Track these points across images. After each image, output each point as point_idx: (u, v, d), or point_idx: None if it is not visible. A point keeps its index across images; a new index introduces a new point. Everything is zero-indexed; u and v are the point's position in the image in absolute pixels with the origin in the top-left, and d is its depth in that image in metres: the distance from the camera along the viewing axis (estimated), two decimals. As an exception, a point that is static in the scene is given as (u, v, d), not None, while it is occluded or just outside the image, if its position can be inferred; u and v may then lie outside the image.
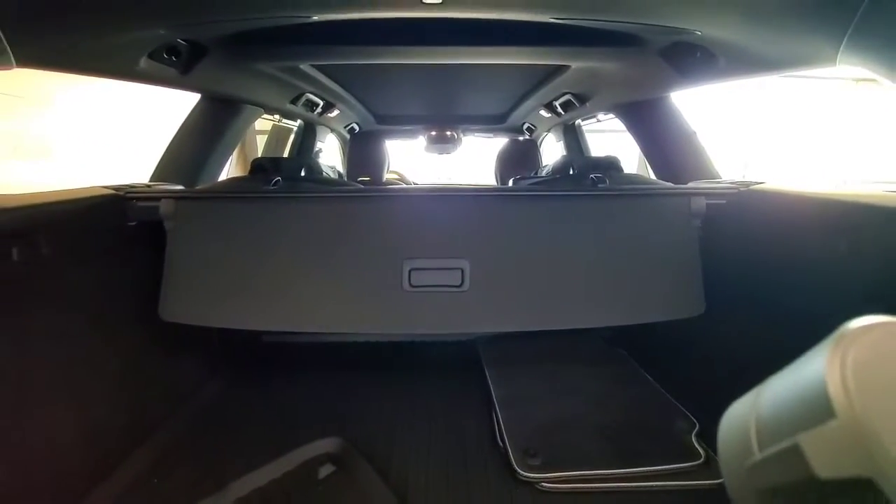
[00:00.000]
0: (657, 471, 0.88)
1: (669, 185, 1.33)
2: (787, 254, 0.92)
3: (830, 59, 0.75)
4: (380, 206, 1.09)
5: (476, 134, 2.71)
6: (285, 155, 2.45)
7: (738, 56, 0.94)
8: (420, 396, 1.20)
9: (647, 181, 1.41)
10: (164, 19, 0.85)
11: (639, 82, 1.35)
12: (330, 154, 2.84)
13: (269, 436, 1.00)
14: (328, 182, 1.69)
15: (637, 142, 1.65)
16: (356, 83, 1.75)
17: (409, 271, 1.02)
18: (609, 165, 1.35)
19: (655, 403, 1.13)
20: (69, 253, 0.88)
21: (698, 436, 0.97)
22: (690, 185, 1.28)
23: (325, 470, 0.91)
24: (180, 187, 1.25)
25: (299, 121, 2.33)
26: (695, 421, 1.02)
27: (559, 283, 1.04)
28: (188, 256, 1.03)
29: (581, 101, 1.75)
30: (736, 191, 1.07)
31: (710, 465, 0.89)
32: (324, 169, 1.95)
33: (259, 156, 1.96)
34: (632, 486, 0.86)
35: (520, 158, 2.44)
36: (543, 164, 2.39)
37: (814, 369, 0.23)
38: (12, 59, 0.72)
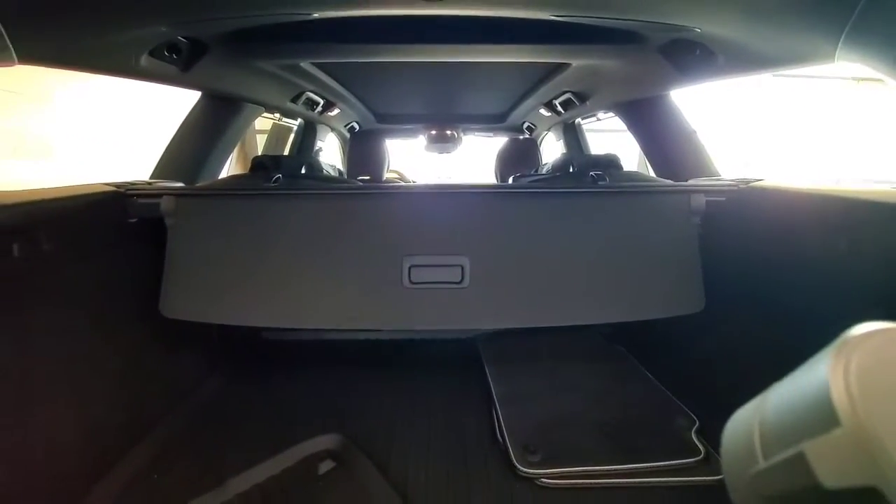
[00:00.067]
0: (656, 467, 0.88)
1: (669, 182, 1.33)
2: (787, 251, 0.92)
3: (829, 56, 0.75)
4: (380, 203, 1.09)
5: (476, 133, 2.71)
6: (285, 154, 2.45)
7: (738, 53, 0.94)
8: (420, 393, 1.20)
9: (646, 178, 1.41)
10: (165, 16, 0.86)
11: (639, 80, 1.36)
12: (330, 153, 2.85)
13: (269, 432, 1.01)
14: (329, 180, 1.69)
15: (637, 140, 1.65)
16: (356, 82, 1.75)
17: (409, 268, 1.02)
18: (609, 163, 1.35)
19: (655, 400, 1.13)
20: (70, 249, 0.88)
21: (698, 432, 0.97)
22: (690, 182, 1.28)
23: (325, 466, 0.91)
24: (181, 185, 1.25)
25: (299, 119, 2.33)
26: (694, 418, 1.02)
27: (559, 280, 1.04)
28: (189, 253, 1.03)
29: (581, 100, 1.75)
30: (736, 188, 1.07)
31: (710, 462, 0.90)
32: (324, 167, 1.95)
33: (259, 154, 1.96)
34: (631, 482, 0.87)
35: (520, 157, 2.44)
36: (543, 163, 2.39)
37: (817, 377, 0.23)
38: (14, 55, 0.72)
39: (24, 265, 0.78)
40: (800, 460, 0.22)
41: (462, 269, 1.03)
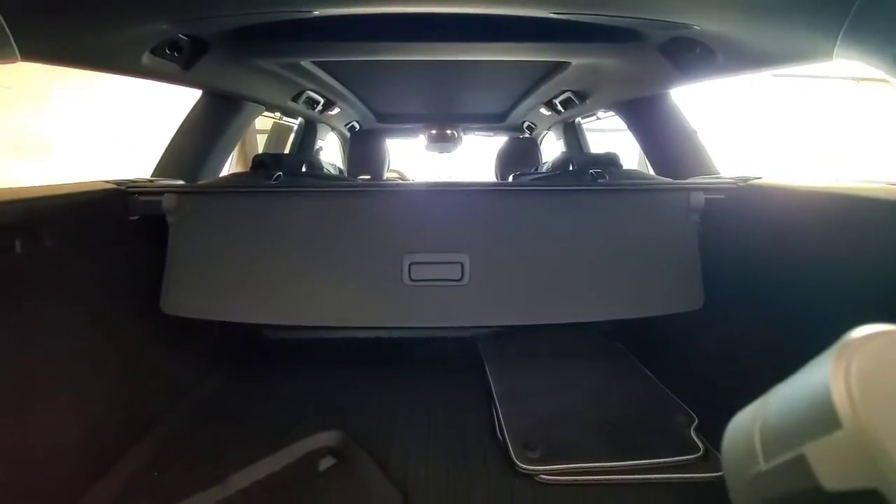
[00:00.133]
0: (655, 463, 0.89)
1: (668, 180, 1.33)
2: (786, 248, 0.93)
3: (827, 54, 0.76)
4: (380, 201, 1.09)
5: (476, 132, 2.71)
6: (286, 152, 2.45)
7: (737, 51, 0.94)
8: (420, 391, 1.20)
9: (646, 177, 1.42)
10: (167, 14, 0.86)
11: (638, 79, 1.36)
12: (330, 153, 2.85)
13: (270, 429, 1.01)
14: (329, 178, 1.69)
15: (637, 139, 1.66)
16: (357, 81, 1.76)
17: (410, 265, 1.03)
18: (608, 161, 1.36)
19: (654, 398, 1.14)
20: (71, 246, 0.88)
21: (697, 429, 0.97)
22: (689, 180, 1.28)
23: (326, 462, 0.91)
24: (182, 182, 1.26)
25: (300, 119, 2.34)
26: (693, 415, 1.02)
27: (558, 278, 1.05)
28: (190, 250, 1.03)
29: (581, 99, 1.75)
30: (735, 186, 1.08)
31: (709, 459, 0.90)
32: (325, 166, 1.95)
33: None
34: (630, 479, 0.87)
35: (520, 156, 2.45)
36: (543, 161, 2.40)
37: (818, 379, 0.23)
38: (17, 52, 0.72)
39: (25, 262, 0.78)
40: (801, 462, 0.22)
41: (462, 266, 1.03)
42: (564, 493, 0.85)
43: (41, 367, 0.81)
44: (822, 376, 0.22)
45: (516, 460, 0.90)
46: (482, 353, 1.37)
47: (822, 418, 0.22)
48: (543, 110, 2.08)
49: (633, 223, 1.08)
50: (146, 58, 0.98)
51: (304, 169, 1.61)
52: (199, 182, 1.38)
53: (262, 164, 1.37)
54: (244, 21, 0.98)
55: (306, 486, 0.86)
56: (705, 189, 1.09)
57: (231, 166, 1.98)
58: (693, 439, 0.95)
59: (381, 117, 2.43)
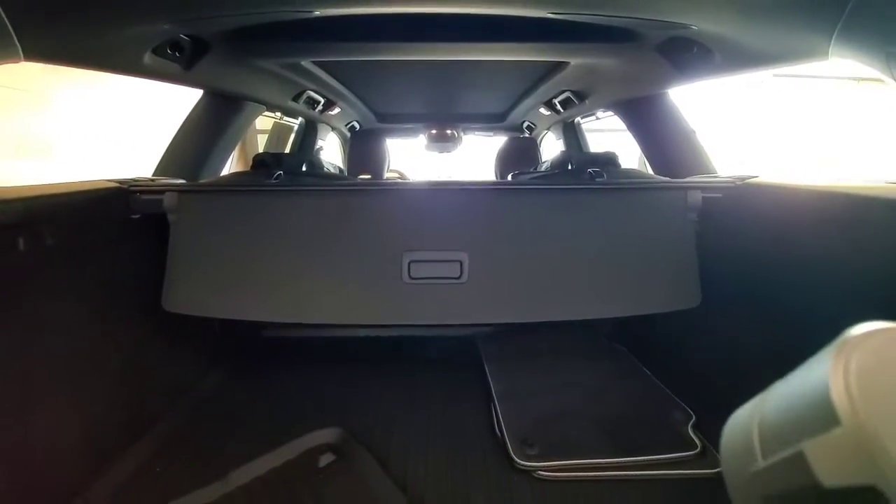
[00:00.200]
0: (653, 460, 0.89)
1: (666, 179, 1.34)
2: (784, 247, 0.93)
3: (823, 53, 0.76)
4: (380, 200, 1.10)
5: (476, 132, 2.72)
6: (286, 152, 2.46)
7: (734, 51, 0.95)
8: (419, 390, 1.21)
9: (644, 176, 1.42)
10: (168, 14, 0.87)
11: (637, 78, 1.37)
12: (330, 153, 2.86)
13: (270, 426, 1.02)
14: (329, 177, 1.70)
15: (636, 139, 1.66)
16: (357, 81, 1.77)
17: (409, 263, 1.03)
18: (607, 161, 1.36)
19: (652, 396, 1.14)
20: (73, 245, 0.89)
21: (694, 427, 0.98)
22: (687, 179, 1.29)
23: (325, 459, 0.92)
24: (183, 181, 1.27)
25: (300, 119, 2.35)
26: (691, 412, 1.03)
27: (556, 276, 1.05)
28: (191, 248, 1.04)
29: (580, 99, 1.76)
30: (732, 185, 1.08)
31: (706, 456, 0.90)
32: (325, 165, 1.96)
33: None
34: (628, 475, 0.88)
35: (519, 156, 2.46)
36: (542, 160, 2.40)
37: (817, 377, 0.23)
38: (20, 52, 0.73)
39: (27, 260, 0.79)
40: (799, 460, 0.23)
41: (461, 264, 1.04)
42: (562, 490, 0.86)
43: (42, 365, 0.81)
44: (821, 374, 0.22)
45: (515, 457, 0.90)
46: (482, 352, 1.38)
47: (821, 415, 0.22)
48: (543, 110, 2.09)
49: (631, 222, 1.09)
50: (148, 58, 0.99)
51: (304, 168, 1.61)
52: (200, 181, 1.39)
53: (263, 164, 1.38)
54: (245, 21, 0.99)
55: (306, 483, 0.87)
56: (703, 188, 1.09)
57: (231, 166, 1.99)
58: (691, 436, 0.95)
59: (382, 117, 2.44)
